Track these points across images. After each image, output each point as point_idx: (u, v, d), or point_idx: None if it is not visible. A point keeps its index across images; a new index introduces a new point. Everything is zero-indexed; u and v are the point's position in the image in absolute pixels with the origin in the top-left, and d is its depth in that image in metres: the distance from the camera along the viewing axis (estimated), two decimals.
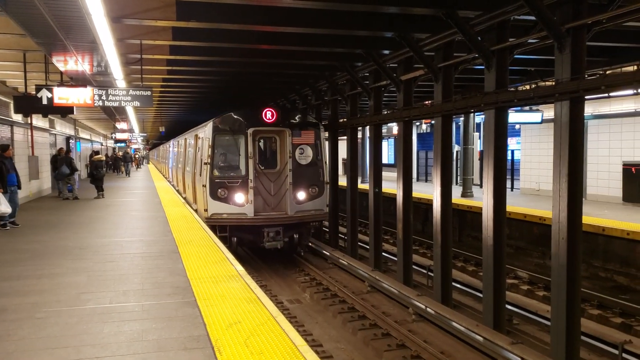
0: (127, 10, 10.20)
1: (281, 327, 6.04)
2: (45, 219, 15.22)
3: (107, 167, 40.01)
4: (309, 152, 16.39)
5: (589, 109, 19.72)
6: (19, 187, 14.60)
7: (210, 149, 15.55)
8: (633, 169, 18.62)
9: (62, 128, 30.31)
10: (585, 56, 8.87)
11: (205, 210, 15.49)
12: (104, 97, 13.59)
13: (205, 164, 15.60)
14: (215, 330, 5.95)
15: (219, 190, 15.31)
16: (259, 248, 16.35)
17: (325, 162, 16.91)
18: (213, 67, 16.50)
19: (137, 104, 13.80)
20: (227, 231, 15.36)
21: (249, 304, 6.94)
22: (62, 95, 13.78)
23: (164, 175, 40.42)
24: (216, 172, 15.56)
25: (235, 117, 15.98)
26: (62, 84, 15.19)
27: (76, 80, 17.05)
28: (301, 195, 16.05)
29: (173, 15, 10.41)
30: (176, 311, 6.73)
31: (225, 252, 10.44)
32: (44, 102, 13.79)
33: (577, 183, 8.93)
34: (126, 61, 14.22)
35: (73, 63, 14.55)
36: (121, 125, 38.98)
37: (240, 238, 15.81)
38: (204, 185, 15.55)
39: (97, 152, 25.18)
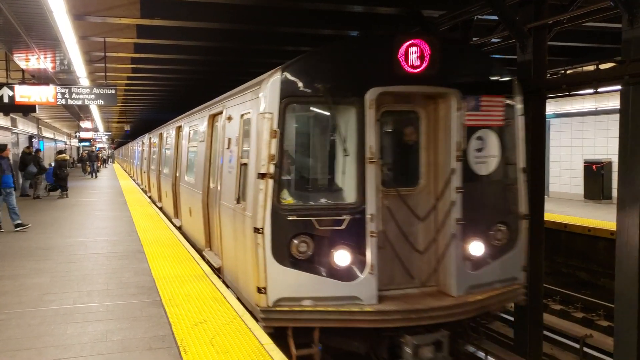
0: (90, 7, 10.09)
1: (247, 326, 6.04)
2: (8, 219, 14.91)
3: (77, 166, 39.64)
4: (495, 146, 7.51)
5: (551, 107, 20.09)
6: (16, 189, 14.13)
7: (273, 140, 6.64)
8: (594, 167, 19.04)
9: (25, 127, 29.75)
10: (546, 55, 9.04)
11: (261, 290, 6.55)
12: (67, 96, 13.40)
13: (262, 176, 6.62)
14: (181, 330, 5.92)
15: (296, 240, 6.55)
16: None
17: (524, 170, 7.74)
18: (179, 65, 16.38)
19: (101, 102, 13.63)
20: (314, 338, 6.61)
21: (215, 303, 6.92)
22: (24, 94, 13.55)
23: (131, 177, 39.57)
24: (288, 197, 6.82)
25: (333, 61, 7.06)
26: (23, 81, 14.89)
27: (38, 78, 16.74)
28: (477, 247, 7.24)
29: (137, 13, 10.33)
30: (141, 311, 6.67)
31: (192, 251, 10.37)
32: (5, 100, 13.50)
33: (538, 180, 9.08)
34: (90, 59, 14.04)
35: (35, 61, 14.29)
36: (85, 124, 38.42)
37: (330, 345, 6.96)
38: (259, 230, 6.55)
39: (61, 152, 24.74)
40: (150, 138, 23.58)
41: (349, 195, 6.85)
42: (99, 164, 42.91)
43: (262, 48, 14.71)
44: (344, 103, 6.85)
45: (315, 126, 7.39)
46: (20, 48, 12.86)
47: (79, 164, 45.58)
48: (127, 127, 42.22)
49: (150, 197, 21.43)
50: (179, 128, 14.61)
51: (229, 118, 8.65)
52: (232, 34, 12.95)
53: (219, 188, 8.86)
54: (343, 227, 6.62)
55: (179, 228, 13.46)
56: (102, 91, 13.60)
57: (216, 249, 9.28)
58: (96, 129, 43.85)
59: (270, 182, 6.57)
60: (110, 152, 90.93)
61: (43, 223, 14.42)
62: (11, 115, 24.00)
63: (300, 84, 6.76)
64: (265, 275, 6.50)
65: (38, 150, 23.76)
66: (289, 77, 6.73)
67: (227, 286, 8.02)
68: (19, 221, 13.16)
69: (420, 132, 7.52)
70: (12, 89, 13.64)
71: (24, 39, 11.50)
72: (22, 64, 14.90)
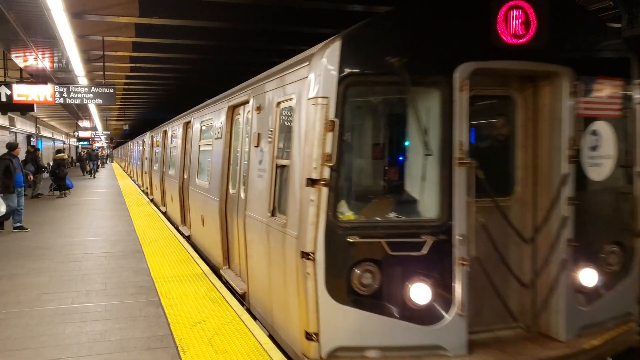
0: (88, 6, 10.07)
1: (246, 326, 6.02)
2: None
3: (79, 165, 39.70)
4: (611, 143, 5.66)
5: None
6: (26, 189, 14.13)
7: (329, 134, 4.73)
8: None
9: (23, 126, 29.73)
10: None
11: (311, 336, 4.75)
12: (65, 94, 13.39)
13: (313, 183, 4.75)
14: (180, 330, 5.89)
15: (359, 270, 4.76)
16: None
17: None
18: (177, 64, 16.36)
19: (99, 101, 13.62)
20: None
21: (214, 303, 6.90)
22: (22, 92, 13.53)
23: (131, 177, 39.26)
24: (347, 211, 4.96)
25: (410, 27, 5.04)
26: (21, 80, 14.86)
27: (36, 77, 16.73)
28: (590, 276, 5.44)
29: (136, 11, 10.32)
30: (140, 311, 6.65)
31: (191, 251, 10.35)
32: (3, 99, 13.48)
33: None
34: (88, 58, 14.02)
35: (33, 59, 14.29)
36: (84, 123, 38.40)
37: None
38: (309, 255, 4.71)
39: (59, 151, 24.74)
40: (152, 136, 21.40)
41: (430, 208, 5.03)
42: (98, 164, 42.89)
43: (261, 47, 14.70)
44: (424, 84, 5.00)
45: (385, 115, 5.63)
46: (18, 47, 12.85)
47: (78, 164, 45.55)
48: (125, 126, 42.21)
49: (152, 200, 19.89)
50: (187, 124, 12.73)
51: (259, 108, 6.83)
52: (231, 33, 12.94)
53: (242, 195, 7.17)
54: (424, 252, 4.80)
55: (188, 238, 11.86)
56: (100, 90, 13.59)
57: (237, 267, 7.79)
58: (95, 128, 43.83)
59: (325, 190, 4.74)
60: (109, 151, 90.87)
61: (42, 222, 14.38)
62: (9, 114, 23.98)
63: (366, 59, 4.93)
64: (316, 316, 4.74)
65: (36, 149, 23.78)
66: (351, 49, 4.86)
67: (254, 317, 6.55)
68: (20, 224, 13.11)
69: (516, 124, 5.64)
70: (10, 87, 13.62)
71: (22, 38, 11.49)
72: (20, 63, 14.88)
